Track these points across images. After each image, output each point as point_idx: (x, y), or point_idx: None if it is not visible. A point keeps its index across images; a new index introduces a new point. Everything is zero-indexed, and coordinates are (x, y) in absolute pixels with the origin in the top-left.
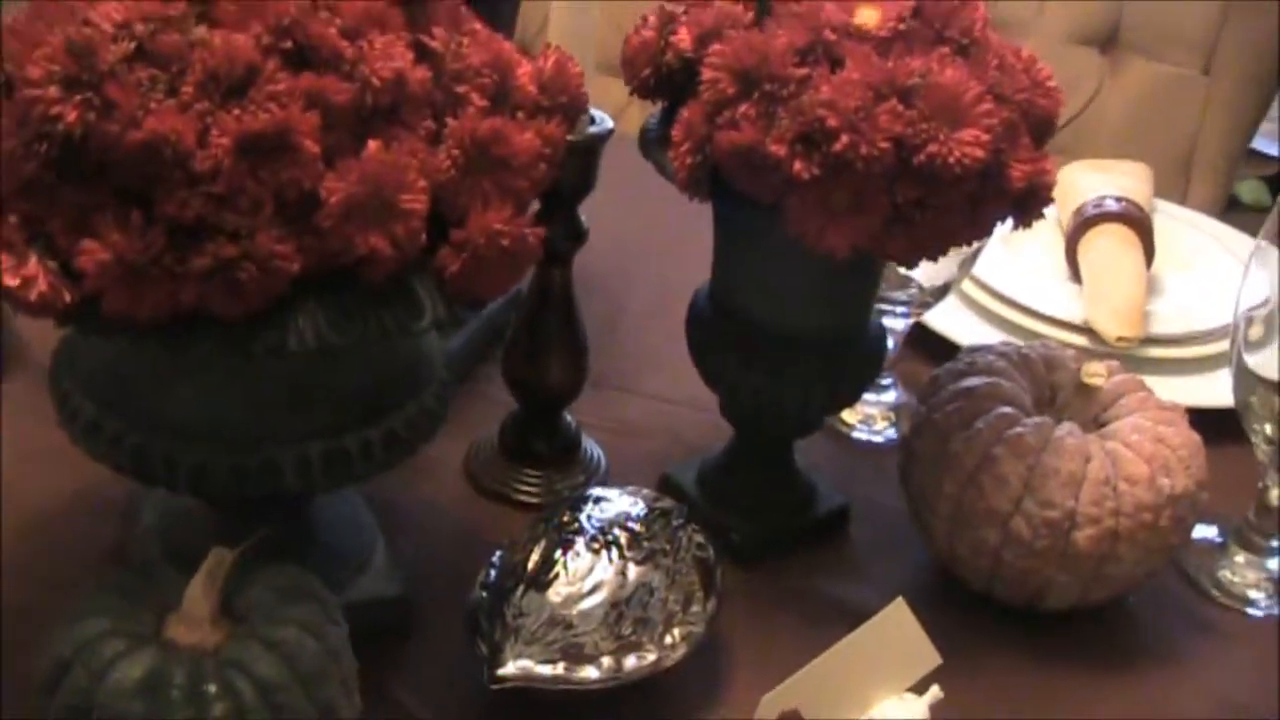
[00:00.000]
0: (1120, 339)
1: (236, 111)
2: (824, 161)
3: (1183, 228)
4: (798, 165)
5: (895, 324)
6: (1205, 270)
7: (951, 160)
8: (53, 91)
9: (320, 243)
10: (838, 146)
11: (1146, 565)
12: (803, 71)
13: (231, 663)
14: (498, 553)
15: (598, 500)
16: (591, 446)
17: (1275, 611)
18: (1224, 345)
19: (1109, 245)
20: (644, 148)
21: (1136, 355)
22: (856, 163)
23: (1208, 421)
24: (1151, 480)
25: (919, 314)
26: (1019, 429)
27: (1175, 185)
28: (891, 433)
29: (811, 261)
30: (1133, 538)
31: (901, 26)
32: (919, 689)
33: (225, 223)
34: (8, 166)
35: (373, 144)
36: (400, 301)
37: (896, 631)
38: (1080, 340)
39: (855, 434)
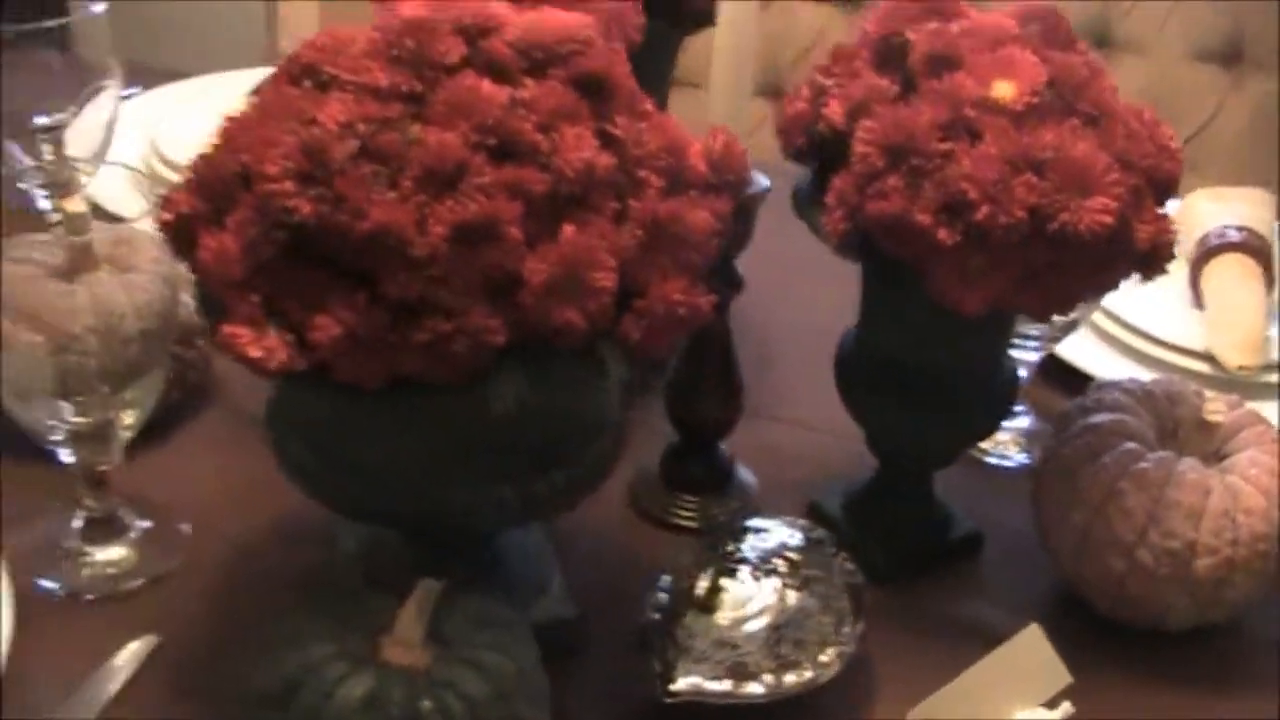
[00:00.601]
0: (1241, 367)
1: (450, 203)
2: (965, 229)
3: None
4: (941, 233)
5: (1028, 356)
6: None
7: (1081, 227)
8: (289, 186)
9: (522, 317)
10: (978, 217)
11: (1262, 589)
12: (945, 146)
13: (442, 683)
14: (664, 577)
15: (757, 531)
16: (743, 473)
17: None
18: None
19: (1230, 275)
20: (797, 208)
21: (1256, 381)
22: (995, 231)
23: None
24: (1267, 512)
25: (1050, 347)
26: (1143, 464)
27: None
28: (1023, 458)
29: (952, 312)
30: (1249, 566)
31: (1035, 100)
32: (1051, 705)
33: (441, 301)
34: (249, 251)
35: (568, 228)
36: (589, 365)
37: (1031, 652)
38: (1203, 367)
39: (988, 459)
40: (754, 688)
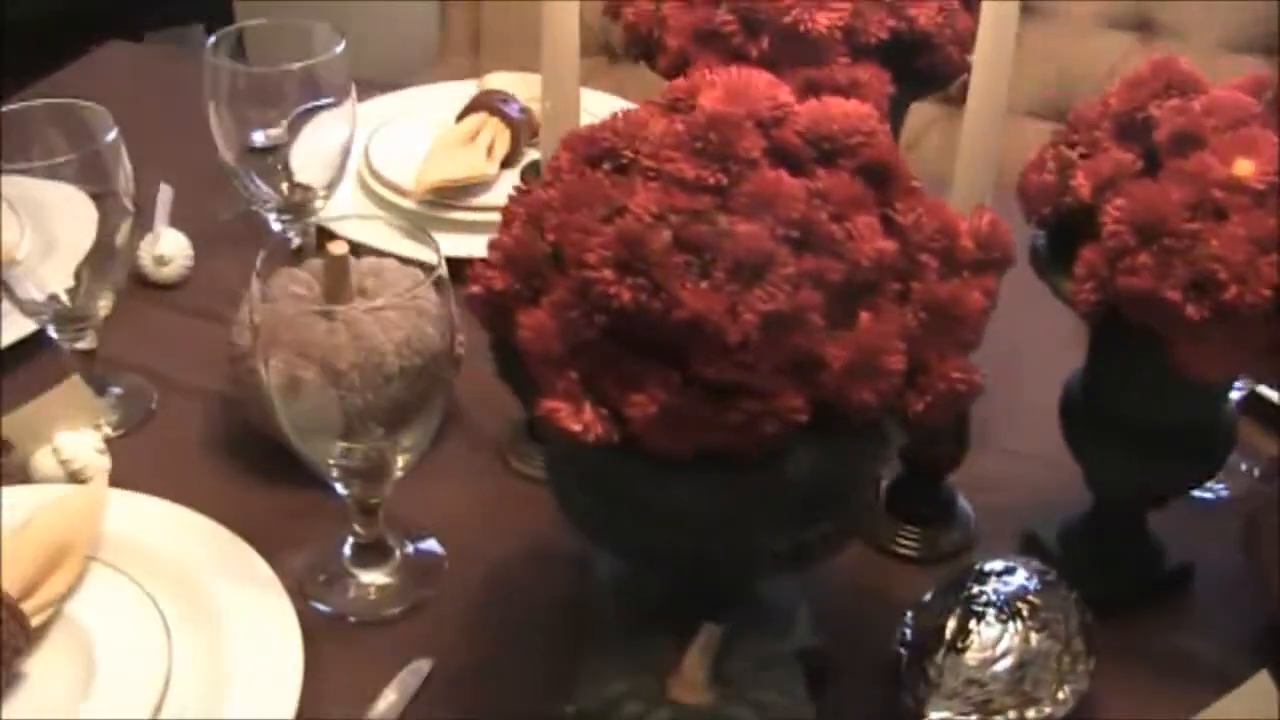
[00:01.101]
0: None
1: (759, 292)
2: (1213, 306)
3: None
4: (1190, 309)
5: (1232, 394)
6: None
7: None
8: (609, 274)
9: (821, 396)
10: (1227, 296)
11: None
12: (1195, 226)
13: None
14: (908, 614)
15: (999, 574)
16: (962, 502)
17: None
18: None
19: None
20: (1038, 269)
21: None
22: (1241, 309)
23: None
24: None
25: (1253, 385)
26: None
27: None
28: (1223, 491)
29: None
30: None
31: (1274, 179)
32: None
33: (752, 384)
34: (568, 331)
35: (864, 315)
36: (874, 437)
37: (1258, 696)
38: None
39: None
40: None
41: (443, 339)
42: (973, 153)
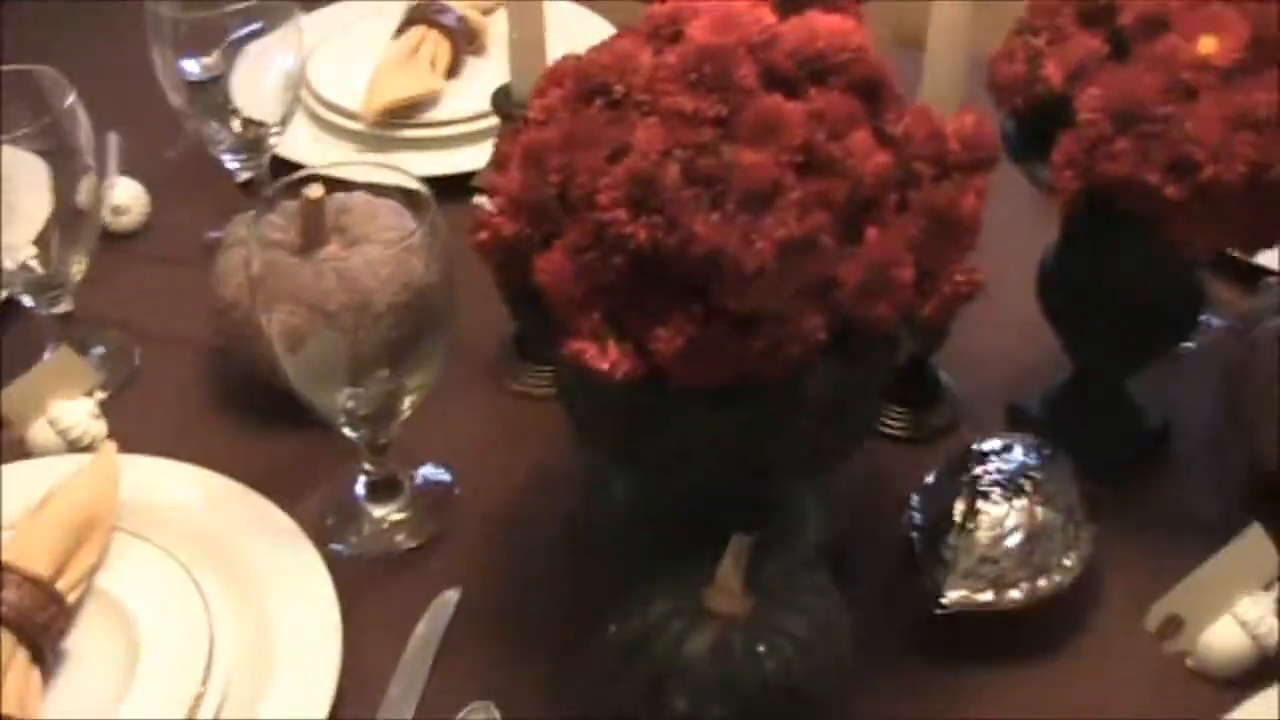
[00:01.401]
0: None
1: (770, 220)
2: (1193, 186)
3: None
4: (1170, 190)
5: None
6: None
7: None
8: (622, 214)
9: (838, 315)
10: (1205, 175)
11: None
12: (1169, 109)
13: (772, 627)
14: (914, 497)
15: (999, 452)
16: (945, 379)
17: None
18: None
19: None
20: (1010, 154)
21: None
22: (1220, 187)
23: None
24: None
25: None
26: None
27: None
28: (1190, 345)
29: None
30: None
31: (1239, 55)
32: (1268, 587)
33: (773, 310)
34: (587, 273)
35: (871, 231)
36: (889, 344)
37: (1252, 547)
38: None
39: None
40: (1014, 594)
41: (428, 270)
42: (942, 44)
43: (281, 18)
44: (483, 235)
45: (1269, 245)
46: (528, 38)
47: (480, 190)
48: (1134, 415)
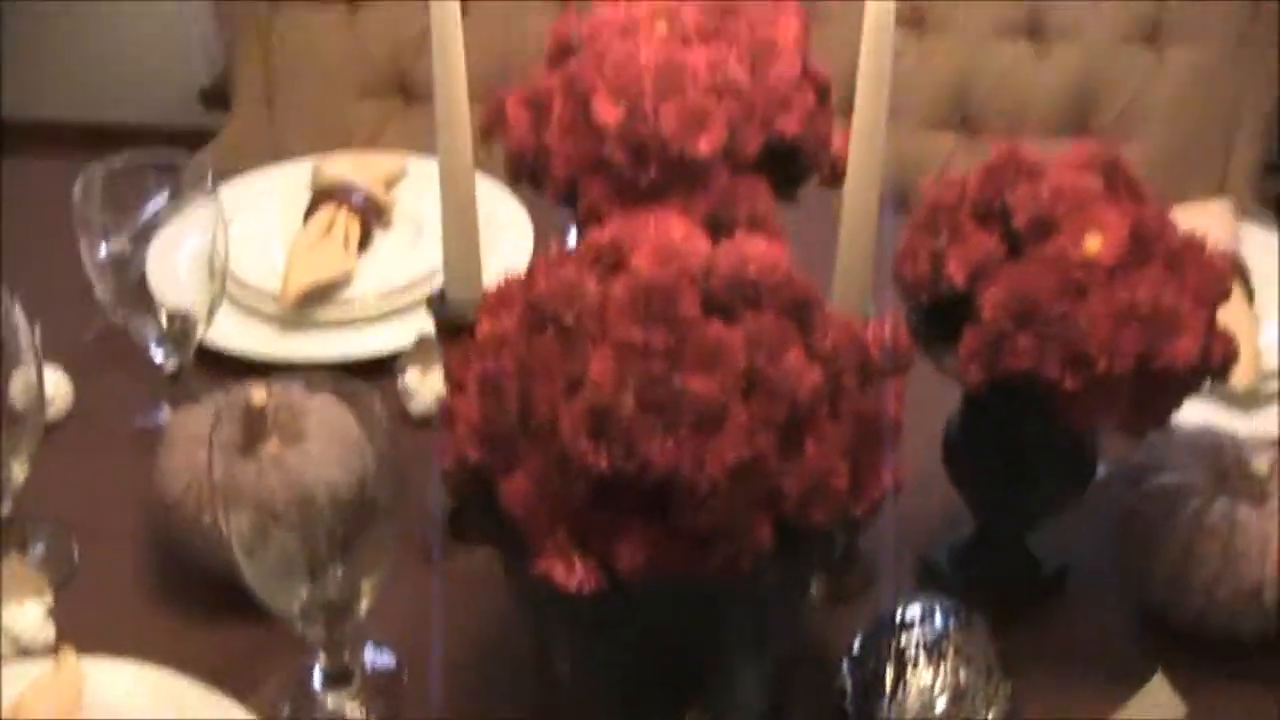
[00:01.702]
0: (1245, 386)
1: (720, 442)
2: (1087, 377)
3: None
4: (1067, 381)
5: None
6: None
7: (1178, 364)
8: (584, 443)
9: (780, 522)
10: (1099, 369)
11: None
12: (1063, 307)
13: None
14: (843, 663)
15: (921, 621)
16: (861, 542)
17: None
18: None
19: None
20: (922, 347)
21: (1257, 392)
22: (1111, 377)
23: None
24: None
25: None
26: (1212, 519)
27: (1219, 156)
28: None
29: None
30: None
31: (1121, 253)
32: None
33: (725, 525)
34: (552, 496)
35: (809, 445)
36: (825, 540)
37: (1156, 695)
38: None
39: None
40: None
41: (369, 461)
42: (850, 251)
43: (190, 192)
44: (448, 461)
45: (1155, 425)
46: (462, 248)
47: (404, 370)
48: (1033, 564)
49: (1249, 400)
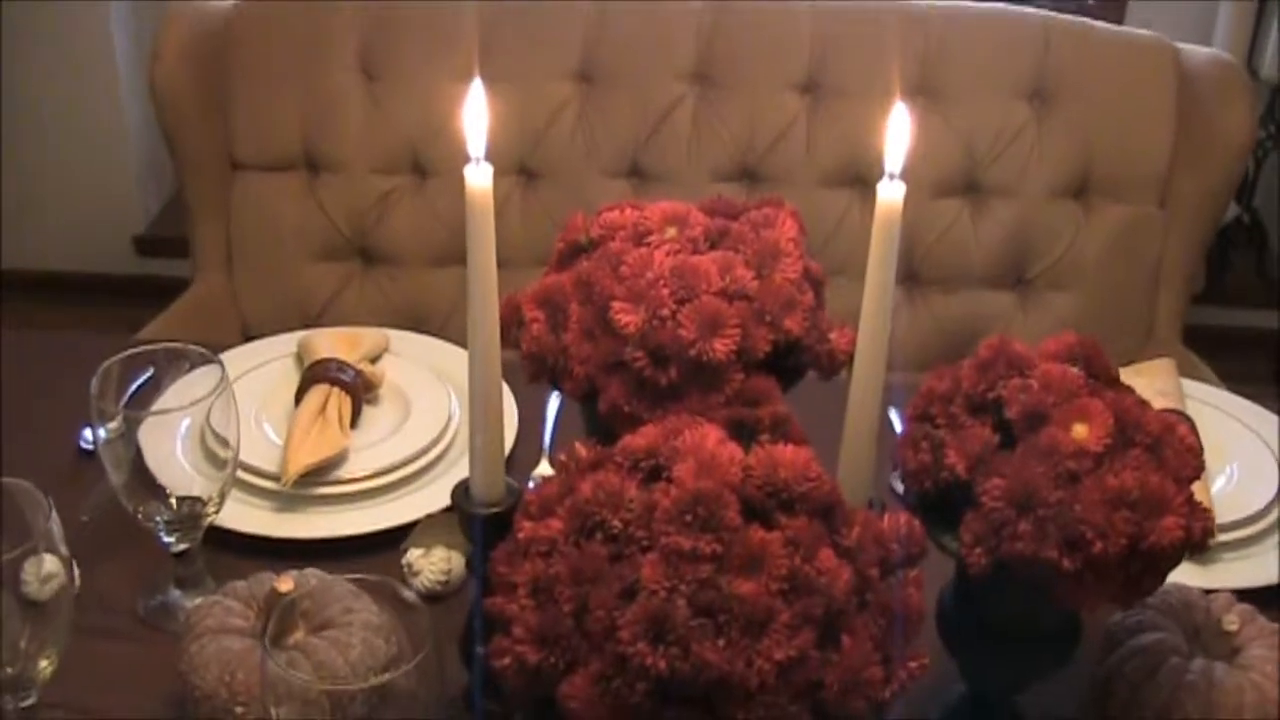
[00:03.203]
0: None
1: (767, 642)
2: (1084, 559)
3: (1201, 408)
4: (1065, 563)
5: None
6: (1237, 448)
7: (1164, 544)
8: (643, 647)
9: (822, 711)
10: (1095, 551)
11: None
12: (1059, 494)
13: None
14: None
15: None
16: None
17: None
18: (1274, 517)
19: None
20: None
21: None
22: (1105, 558)
23: None
24: None
25: None
26: (1190, 676)
27: (1146, 301)
28: None
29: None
30: None
31: (1107, 440)
32: None
33: (775, 718)
34: (611, 698)
35: (845, 639)
36: None
37: None
38: None
39: None
40: None
41: (392, 646)
42: (855, 441)
43: (181, 367)
44: (506, 661)
45: (1141, 599)
46: (488, 442)
47: (406, 550)
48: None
49: (1205, 555)
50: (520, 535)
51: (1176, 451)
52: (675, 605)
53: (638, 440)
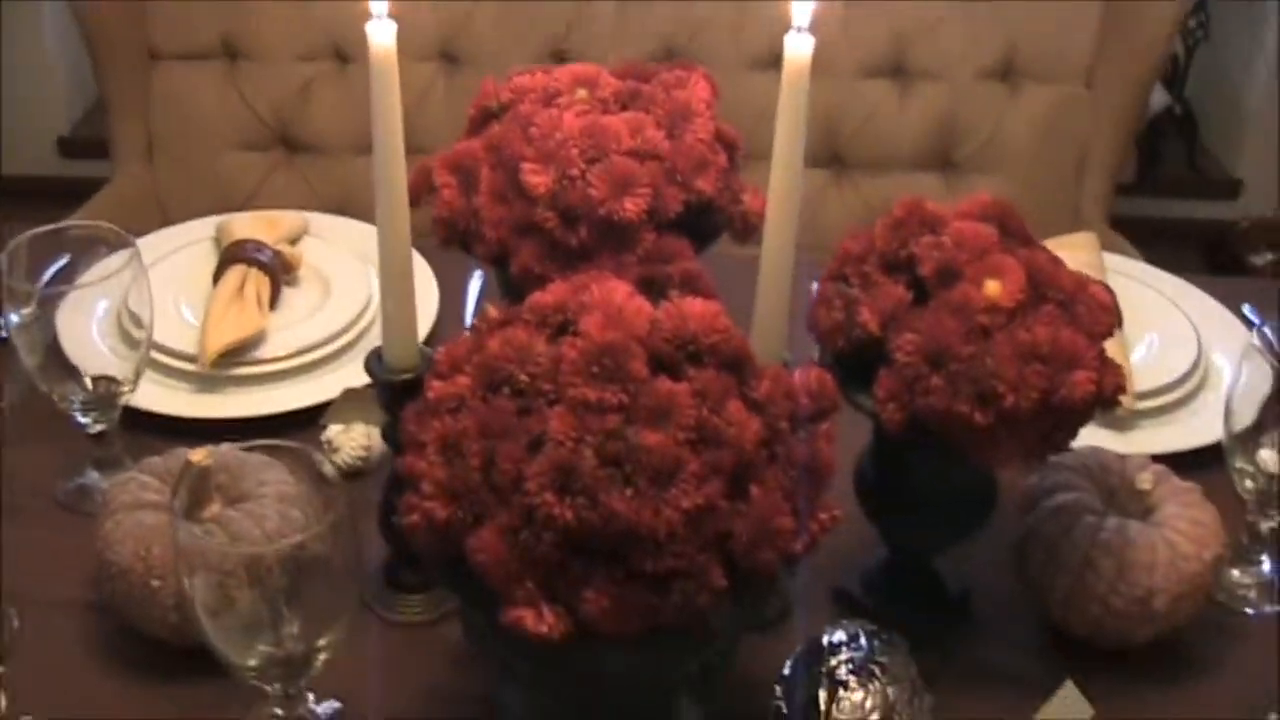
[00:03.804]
0: (1123, 409)
1: (675, 492)
2: (997, 413)
3: (1123, 280)
4: (978, 417)
5: None
6: (1157, 318)
7: (1076, 398)
8: (550, 498)
9: (733, 563)
10: (1006, 404)
11: (1198, 607)
12: (971, 349)
13: None
14: (776, 689)
15: (847, 643)
16: (779, 573)
17: (1265, 610)
18: (1191, 385)
19: None
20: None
21: (1134, 410)
22: (1017, 412)
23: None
24: (1199, 555)
25: None
26: (1104, 534)
27: (1073, 185)
28: None
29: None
30: (1191, 596)
31: (1020, 295)
32: None
33: (683, 568)
34: (520, 549)
35: (755, 489)
36: (772, 580)
37: (1066, 701)
38: None
39: None
40: None
41: (312, 519)
42: (768, 301)
43: (99, 252)
44: (415, 518)
45: (1054, 454)
46: (399, 309)
47: (326, 425)
48: (941, 587)
49: (1126, 421)
50: (430, 395)
51: (1089, 308)
52: (582, 456)
53: (546, 297)
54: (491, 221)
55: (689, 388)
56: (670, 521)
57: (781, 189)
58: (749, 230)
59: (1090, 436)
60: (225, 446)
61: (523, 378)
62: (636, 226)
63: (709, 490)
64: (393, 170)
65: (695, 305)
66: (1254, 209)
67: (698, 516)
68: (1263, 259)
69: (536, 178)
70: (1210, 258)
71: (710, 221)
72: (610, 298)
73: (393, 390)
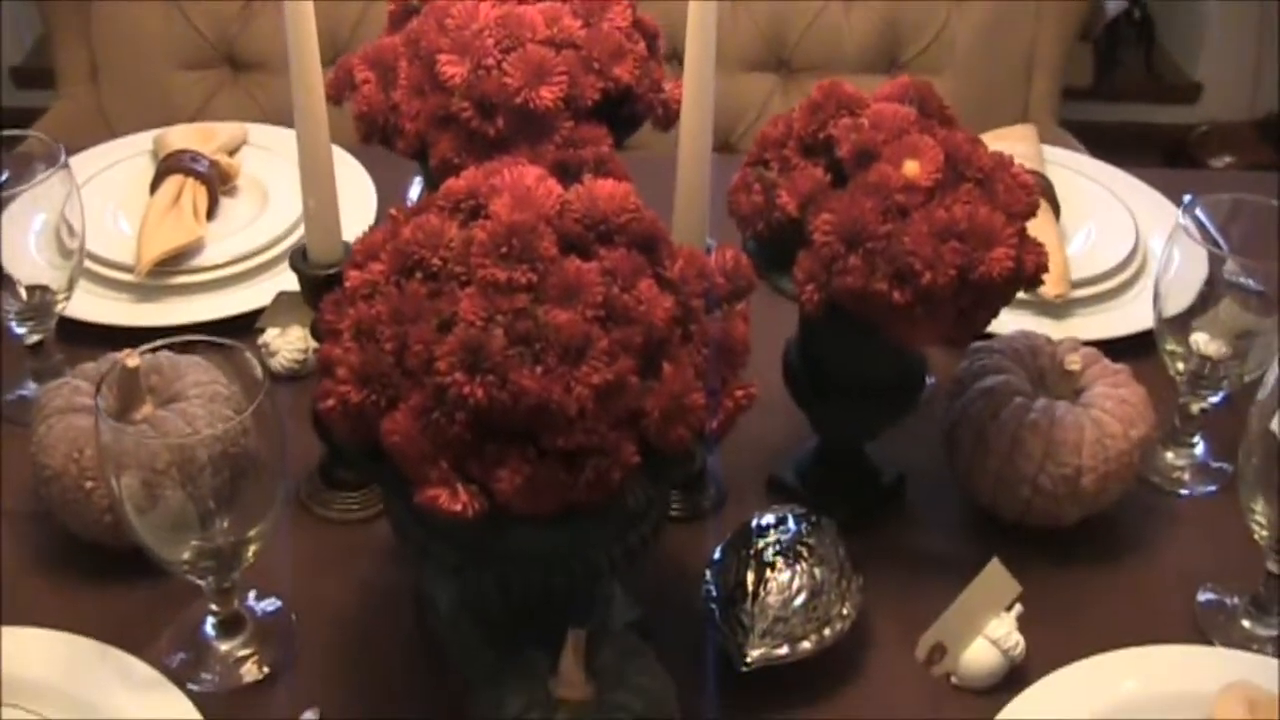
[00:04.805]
0: (1057, 296)
1: (585, 369)
2: (914, 291)
3: (1063, 173)
4: (895, 295)
5: None
6: (1097, 209)
7: (995, 275)
8: (460, 377)
9: (645, 440)
10: (923, 282)
11: (1127, 486)
12: (888, 228)
13: (615, 706)
14: (706, 572)
15: (775, 526)
16: (711, 463)
17: (1197, 492)
18: (1128, 274)
19: None
20: (759, 272)
21: (1069, 300)
22: (935, 291)
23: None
24: (1125, 433)
25: None
26: (1032, 415)
27: (1022, 86)
28: None
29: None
30: (1119, 474)
31: (937, 176)
32: (1009, 608)
33: (595, 445)
34: (433, 431)
35: (667, 367)
36: (686, 457)
37: (993, 578)
38: (1025, 297)
39: None
40: (805, 645)
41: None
42: (688, 187)
43: (35, 168)
44: (330, 403)
45: (976, 334)
46: (321, 205)
47: (263, 329)
48: (873, 473)
49: (1061, 310)
50: (347, 284)
51: (1008, 187)
52: (492, 335)
53: (459, 183)
54: (410, 115)
55: (599, 266)
56: (580, 398)
57: (696, 69)
58: (670, 119)
59: (1029, 324)
60: (157, 346)
61: (435, 262)
62: (553, 115)
63: (620, 367)
64: (308, 64)
65: (606, 186)
66: (1213, 113)
67: (608, 393)
68: (1221, 162)
69: (452, 68)
70: (1169, 163)
71: (631, 110)
72: (520, 180)
73: (316, 285)
